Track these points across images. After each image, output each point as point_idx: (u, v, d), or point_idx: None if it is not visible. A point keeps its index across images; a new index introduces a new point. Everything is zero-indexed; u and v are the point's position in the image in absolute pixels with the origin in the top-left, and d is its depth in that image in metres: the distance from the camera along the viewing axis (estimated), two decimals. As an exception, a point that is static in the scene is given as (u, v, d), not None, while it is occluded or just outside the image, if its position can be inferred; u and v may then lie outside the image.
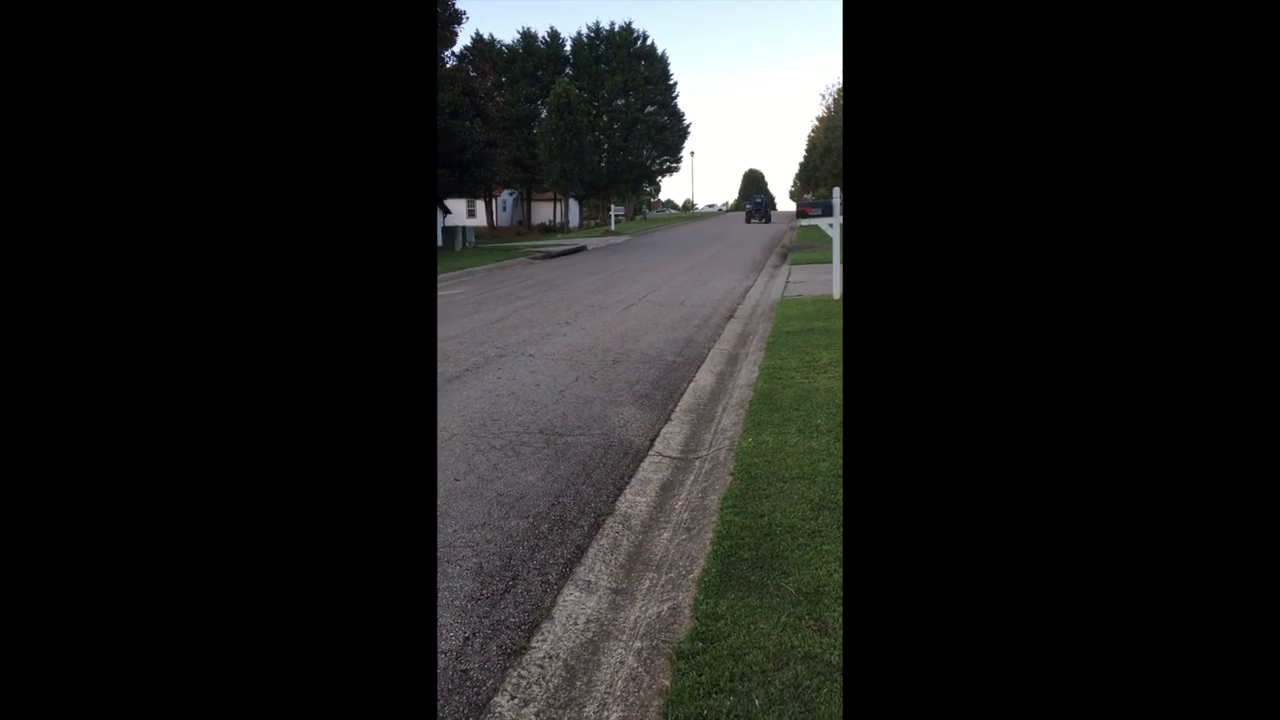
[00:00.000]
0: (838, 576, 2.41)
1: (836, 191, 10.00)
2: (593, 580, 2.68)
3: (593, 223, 46.56)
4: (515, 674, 2.13)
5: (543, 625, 2.38)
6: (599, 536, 3.05)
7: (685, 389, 5.40)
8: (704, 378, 5.69)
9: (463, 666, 2.20)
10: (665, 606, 2.42)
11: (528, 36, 45.24)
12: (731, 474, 3.42)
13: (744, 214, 44.35)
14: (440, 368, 6.20)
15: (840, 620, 2.17)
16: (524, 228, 39.46)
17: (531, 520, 3.22)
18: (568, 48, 46.66)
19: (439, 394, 5.32)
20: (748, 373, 5.52)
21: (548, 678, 2.10)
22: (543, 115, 38.71)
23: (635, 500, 3.43)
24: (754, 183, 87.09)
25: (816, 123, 59.93)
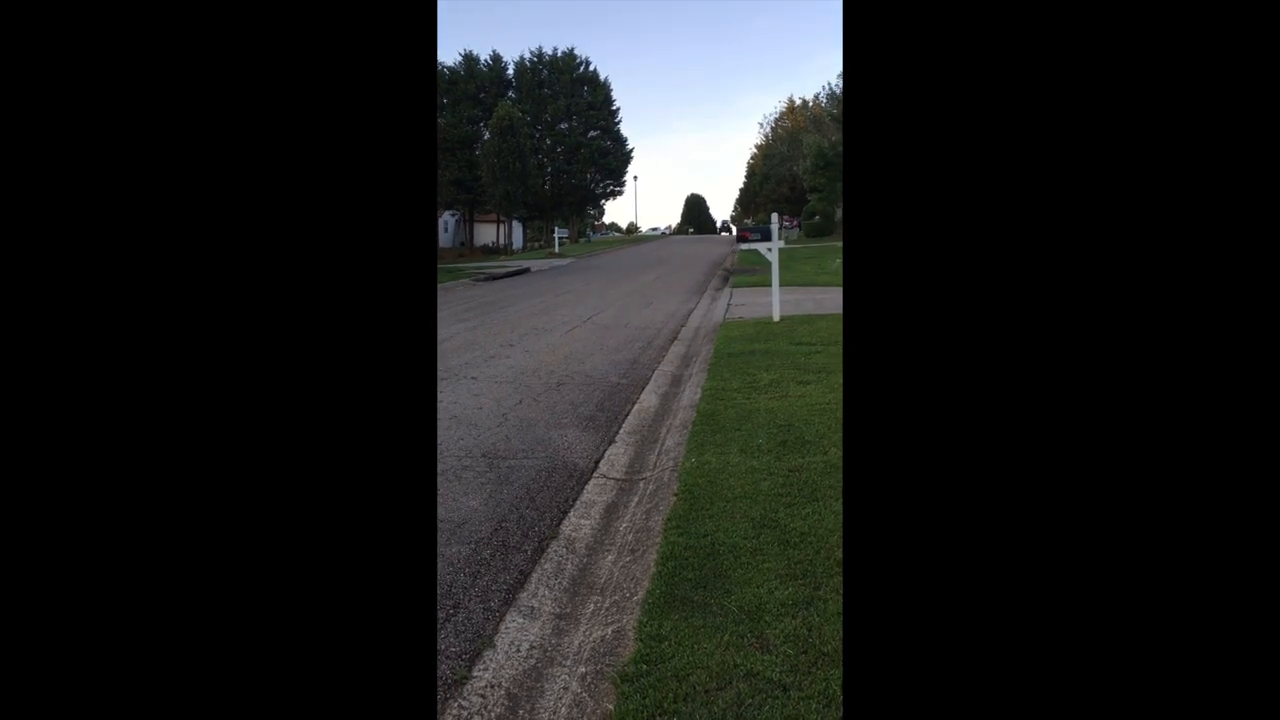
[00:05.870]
0: (779, 594, 2.45)
1: (775, 217, 10.25)
2: (536, 606, 2.65)
3: (536, 245, 46.41)
4: (456, 705, 2.08)
5: (484, 653, 2.33)
6: (543, 561, 3.01)
7: (629, 411, 5.42)
8: (648, 399, 5.72)
9: (401, 699, 2.14)
10: (609, 630, 2.41)
11: (469, 59, 45.10)
12: (675, 495, 3.44)
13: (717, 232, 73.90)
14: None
15: (780, 637, 2.20)
16: (466, 249, 39.05)
17: (473, 546, 3.17)
18: (510, 71, 46.75)
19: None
20: (691, 394, 5.58)
21: (490, 707, 2.06)
22: (485, 137, 38.59)
23: (580, 523, 3.41)
24: (696, 207, 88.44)
25: (755, 150, 61.50)
